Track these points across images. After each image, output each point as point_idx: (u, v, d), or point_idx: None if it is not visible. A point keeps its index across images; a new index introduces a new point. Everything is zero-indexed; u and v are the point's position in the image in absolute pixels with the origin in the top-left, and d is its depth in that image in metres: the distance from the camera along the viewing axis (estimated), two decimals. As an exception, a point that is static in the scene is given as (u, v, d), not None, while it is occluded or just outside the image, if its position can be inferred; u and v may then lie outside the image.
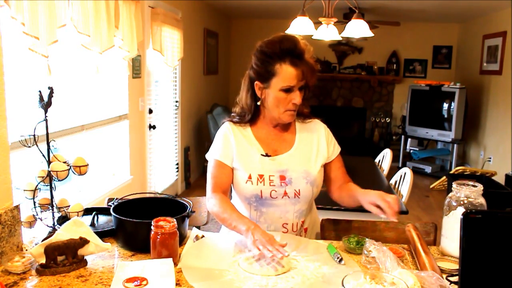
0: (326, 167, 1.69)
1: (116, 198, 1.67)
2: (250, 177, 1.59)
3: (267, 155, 1.61)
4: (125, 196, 1.71)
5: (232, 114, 1.69)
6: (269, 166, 1.60)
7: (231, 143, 1.63)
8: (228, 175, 1.62)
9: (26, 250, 1.47)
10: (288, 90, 1.52)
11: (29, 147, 1.47)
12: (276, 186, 1.59)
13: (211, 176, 1.63)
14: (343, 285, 1.12)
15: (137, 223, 1.46)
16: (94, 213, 1.71)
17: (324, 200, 2.59)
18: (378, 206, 1.45)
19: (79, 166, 1.55)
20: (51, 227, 1.54)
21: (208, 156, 1.67)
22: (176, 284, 1.24)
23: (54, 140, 1.57)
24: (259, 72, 1.54)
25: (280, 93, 1.52)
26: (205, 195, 2.01)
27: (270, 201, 1.60)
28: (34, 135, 1.48)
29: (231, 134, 1.64)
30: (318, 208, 2.42)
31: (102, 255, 1.43)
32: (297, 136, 1.66)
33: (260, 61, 1.53)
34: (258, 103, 1.60)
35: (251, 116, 1.64)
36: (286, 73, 1.49)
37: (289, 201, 1.61)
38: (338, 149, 1.72)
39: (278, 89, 1.52)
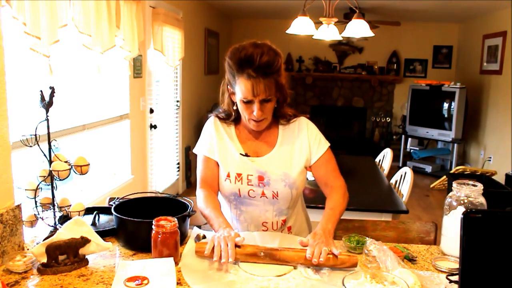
0: (311, 166, 1.66)
1: (117, 198, 1.67)
2: (228, 175, 1.60)
3: (246, 155, 1.61)
4: (126, 196, 1.71)
5: (219, 109, 1.68)
6: (248, 166, 1.59)
7: (213, 139, 1.64)
8: (214, 169, 1.64)
9: (28, 249, 1.47)
10: (248, 102, 1.49)
11: (31, 146, 1.47)
12: (254, 186, 1.59)
13: (199, 171, 1.66)
14: (343, 285, 1.12)
15: (138, 222, 1.46)
16: (95, 212, 1.71)
17: (324, 200, 2.60)
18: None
19: (80, 166, 1.55)
20: (52, 226, 1.55)
21: (195, 150, 1.69)
22: (177, 283, 1.24)
23: (56, 140, 1.57)
24: (228, 79, 1.54)
25: (241, 103, 1.51)
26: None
27: (248, 200, 1.61)
28: (35, 135, 1.48)
29: (214, 130, 1.64)
30: (317, 208, 2.44)
31: (103, 255, 1.43)
32: (279, 139, 1.63)
33: (226, 68, 1.53)
34: (234, 107, 1.59)
35: (235, 116, 1.63)
36: (242, 86, 1.47)
37: (268, 201, 1.60)
38: (324, 146, 1.64)
39: (239, 99, 1.51)
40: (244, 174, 1.59)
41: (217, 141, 1.63)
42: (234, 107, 1.59)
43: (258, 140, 1.64)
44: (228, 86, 1.57)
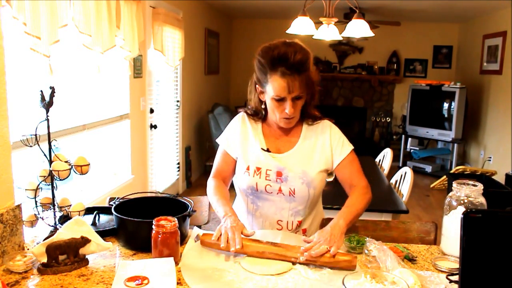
0: (335, 168, 1.67)
1: (117, 198, 1.67)
2: (248, 168, 1.63)
3: (267, 150, 1.63)
4: (126, 196, 1.72)
5: (249, 106, 1.70)
6: (267, 161, 1.61)
7: (236, 135, 1.67)
8: (230, 165, 1.69)
9: (28, 249, 1.47)
10: (280, 100, 1.52)
11: (31, 146, 1.47)
12: (271, 181, 1.60)
13: (216, 161, 1.73)
14: (343, 284, 1.13)
15: (138, 222, 1.46)
16: (95, 212, 1.71)
17: (324, 199, 2.60)
18: None
19: (81, 166, 1.55)
20: (52, 226, 1.55)
21: (218, 140, 1.74)
22: (177, 283, 1.24)
23: (56, 140, 1.57)
24: (258, 77, 1.56)
25: (273, 101, 1.53)
26: (205, 195, 2.03)
27: (265, 195, 1.62)
28: (35, 135, 1.48)
29: (239, 126, 1.68)
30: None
31: (104, 254, 1.43)
32: (301, 138, 1.66)
33: (257, 67, 1.54)
34: (263, 106, 1.62)
35: (263, 114, 1.66)
36: (275, 84, 1.49)
37: (284, 199, 1.61)
38: (347, 149, 1.65)
39: (271, 97, 1.53)
40: (263, 169, 1.61)
41: (240, 136, 1.67)
42: (263, 106, 1.62)
43: (282, 138, 1.66)
44: (257, 85, 1.59)
